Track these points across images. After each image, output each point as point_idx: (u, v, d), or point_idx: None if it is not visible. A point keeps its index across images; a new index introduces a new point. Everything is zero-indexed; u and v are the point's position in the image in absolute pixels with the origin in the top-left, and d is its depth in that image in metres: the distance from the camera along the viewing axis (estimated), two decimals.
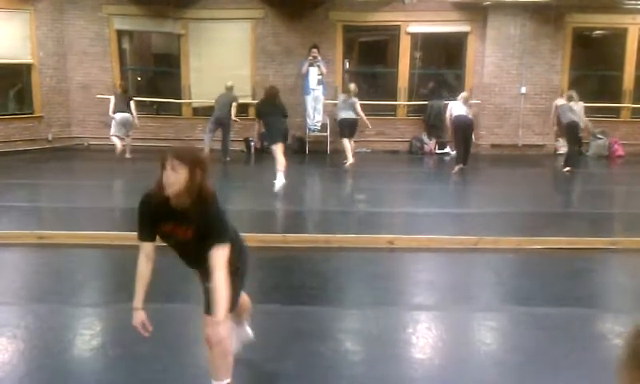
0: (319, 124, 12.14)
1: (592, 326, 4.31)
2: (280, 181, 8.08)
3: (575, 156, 10.50)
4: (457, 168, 10.25)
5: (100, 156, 10.48)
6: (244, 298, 3.27)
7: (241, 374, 3.50)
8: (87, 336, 4.00)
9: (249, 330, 3.47)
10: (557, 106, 10.41)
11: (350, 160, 10.50)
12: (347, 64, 13.39)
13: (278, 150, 8.21)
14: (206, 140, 10.98)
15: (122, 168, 10.43)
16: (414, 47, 12.82)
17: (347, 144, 10.63)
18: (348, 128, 10.79)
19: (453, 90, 12.59)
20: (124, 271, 5.39)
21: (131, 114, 11.02)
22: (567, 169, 10.19)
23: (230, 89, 11.28)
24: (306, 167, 11.29)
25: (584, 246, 5.92)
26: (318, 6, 12.53)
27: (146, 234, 2.81)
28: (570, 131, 10.20)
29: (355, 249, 5.89)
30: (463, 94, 10.57)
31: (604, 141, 12.49)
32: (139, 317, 2.81)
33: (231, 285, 2.71)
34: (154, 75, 14.66)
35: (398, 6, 12.37)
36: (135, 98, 11.53)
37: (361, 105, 10.78)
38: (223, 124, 11.11)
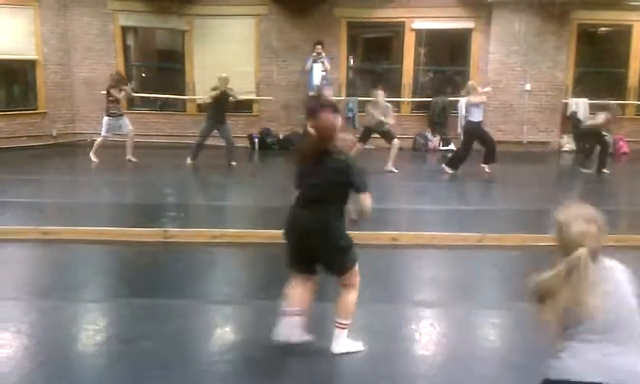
0: None
1: None
2: None
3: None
4: (451, 171, 9.77)
5: (104, 152, 10.48)
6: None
7: (242, 370, 3.51)
8: (91, 331, 4.02)
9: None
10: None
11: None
12: (352, 60, 13.36)
13: None
14: None
15: (125, 164, 10.43)
16: (418, 44, 12.80)
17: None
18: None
19: (457, 86, 12.55)
20: (128, 267, 5.42)
21: None
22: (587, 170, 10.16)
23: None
24: None
25: None
26: (322, 3, 12.50)
27: None
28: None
29: (358, 245, 5.84)
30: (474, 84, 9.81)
31: (608, 138, 12.42)
32: None
33: None
34: (158, 71, 14.65)
35: (402, 2, 12.35)
36: (139, 94, 11.45)
37: (363, 101, 10.61)
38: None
